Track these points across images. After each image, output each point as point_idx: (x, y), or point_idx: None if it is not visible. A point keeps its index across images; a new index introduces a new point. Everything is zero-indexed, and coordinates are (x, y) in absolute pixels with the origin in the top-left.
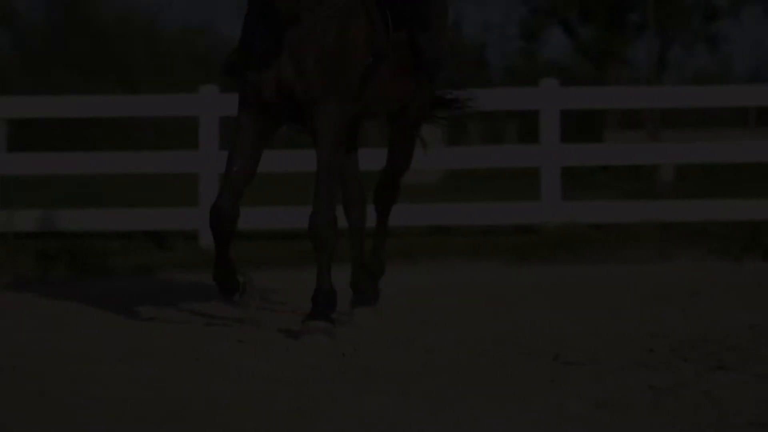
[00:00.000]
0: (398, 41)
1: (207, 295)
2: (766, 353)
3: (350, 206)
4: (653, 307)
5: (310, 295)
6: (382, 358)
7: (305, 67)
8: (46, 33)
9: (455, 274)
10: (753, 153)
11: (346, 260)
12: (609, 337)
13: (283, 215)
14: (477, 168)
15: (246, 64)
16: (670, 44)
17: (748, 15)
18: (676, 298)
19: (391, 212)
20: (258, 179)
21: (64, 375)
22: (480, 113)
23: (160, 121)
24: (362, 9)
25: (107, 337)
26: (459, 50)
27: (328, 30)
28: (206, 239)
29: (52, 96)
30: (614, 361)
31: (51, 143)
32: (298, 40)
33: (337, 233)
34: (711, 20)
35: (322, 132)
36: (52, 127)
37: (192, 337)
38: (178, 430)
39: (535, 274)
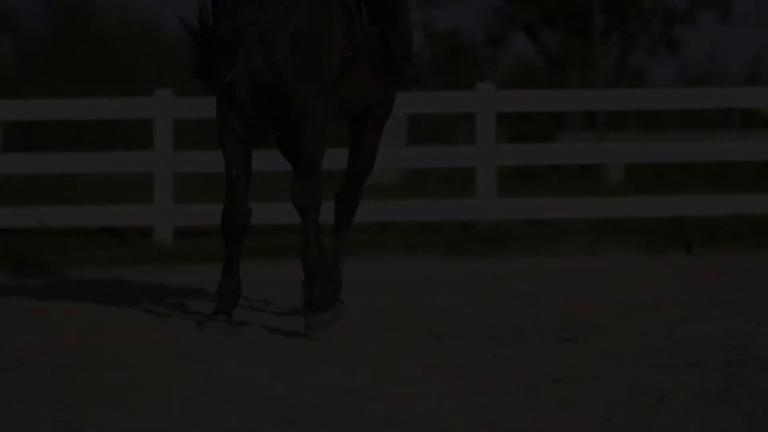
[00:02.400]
0: (371, 36)
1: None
2: (620, 330)
3: None
4: (550, 294)
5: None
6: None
7: (278, 58)
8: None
9: (393, 268)
10: (699, 152)
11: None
12: (488, 317)
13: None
14: (422, 167)
15: (217, 63)
16: (631, 49)
17: (705, 21)
18: (577, 287)
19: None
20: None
21: None
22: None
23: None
24: (342, 3)
25: None
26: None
27: (300, 19)
28: (161, 235)
29: (11, 101)
30: (476, 335)
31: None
32: (268, 33)
33: (317, 202)
34: (670, 25)
35: (305, 116)
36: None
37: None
38: None
39: (467, 268)
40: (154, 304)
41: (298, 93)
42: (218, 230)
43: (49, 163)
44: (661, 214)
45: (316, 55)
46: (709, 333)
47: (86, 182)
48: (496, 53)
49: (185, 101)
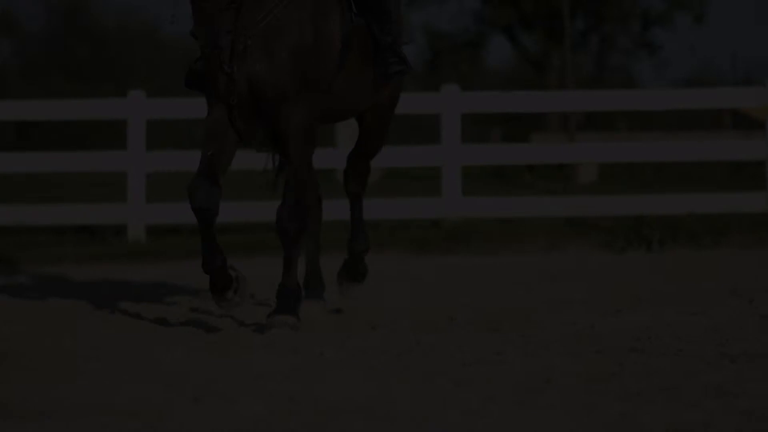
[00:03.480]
0: (358, 29)
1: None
2: (549, 321)
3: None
4: (498, 288)
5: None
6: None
7: (275, 60)
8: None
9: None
10: (668, 153)
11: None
12: (429, 309)
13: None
14: (397, 167)
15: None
16: (610, 50)
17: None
18: (528, 281)
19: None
20: None
21: None
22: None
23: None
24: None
25: None
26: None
27: (300, 21)
28: (134, 233)
29: None
30: (410, 325)
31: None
32: (266, 34)
33: (305, 227)
34: (648, 27)
35: (291, 125)
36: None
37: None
38: None
39: (432, 264)
40: (119, 299)
41: (288, 107)
42: (191, 228)
43: (23, 162)
44: (622, 213)
45: (314, 58)
46: (631, 323)
47: (61, 181)
48: (476, 55)
49: (158, 102)
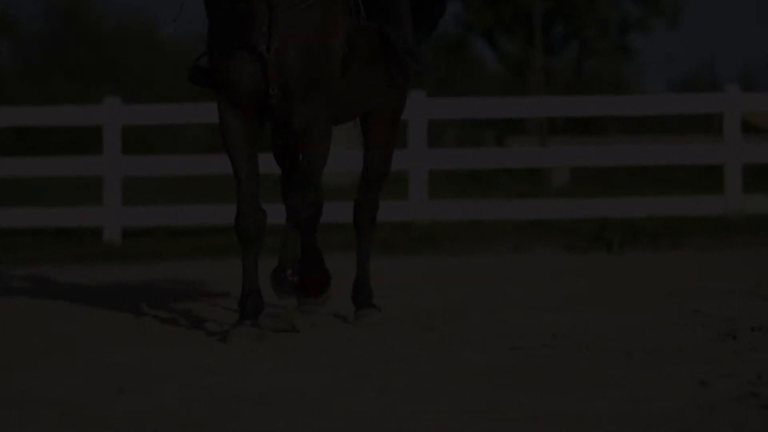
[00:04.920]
0: (369, 31)
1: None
2: (484, 320)
3: None
4: (450, 289)
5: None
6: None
7: (288, 55)
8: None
9: (329, 266)
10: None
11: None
12: None
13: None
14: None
15: (218, 64)
16: (588, 55)
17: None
18: (482, 282)
19: (272, 210)
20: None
21: None
22: None
23: None
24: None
25: None
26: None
27: (311, 17)
28: (110, 235)
29: None
30: (348, 324)
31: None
32: (277, 32)
33: (319, 213)
34: (625, 32)
35: (308, 123)
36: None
37: None
38: None
39: (397, 266)
40: (91, 299)
41: (307, 101)
42: (164, 231)
43: (4, 167)
44: (585, 216)
45: (323, 56)
46: (558, 321)
47: (39, 186)
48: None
49: (133, 108)
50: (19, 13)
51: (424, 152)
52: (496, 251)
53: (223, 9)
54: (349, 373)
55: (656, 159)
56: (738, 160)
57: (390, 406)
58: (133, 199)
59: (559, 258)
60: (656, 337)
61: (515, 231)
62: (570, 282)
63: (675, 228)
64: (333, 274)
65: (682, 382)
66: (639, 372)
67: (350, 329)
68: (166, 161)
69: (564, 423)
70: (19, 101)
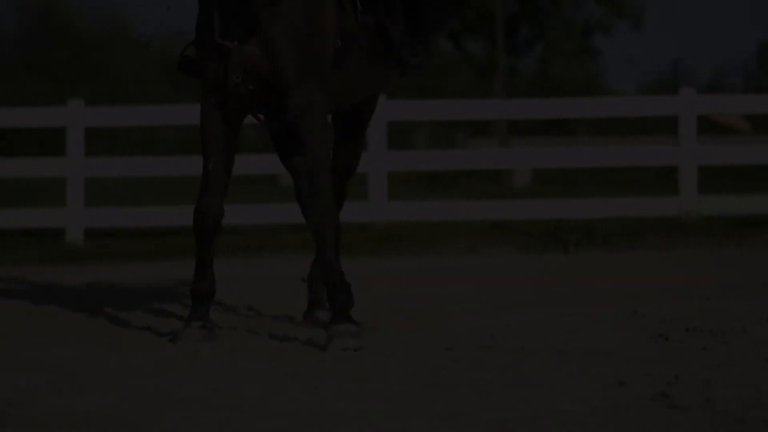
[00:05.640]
0: (364, 26)
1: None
2: (428, 322)
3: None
4: (401, 289)
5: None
6: None
7: (277, 47)
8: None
9: (288, 266)
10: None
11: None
12: None
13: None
14: None
15: (206, 55)
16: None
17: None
18: (433, 282)
19: (237, 211)
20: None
21: None
22: None
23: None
24: None
25: None
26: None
27: (300, 8)
28: (72, 236)
29: None
30: (292, 325)
31: None
32: (266, 23)
33: (338, 226)
34: (588, 34)
35: (305, 113)
36: None
37: None
38: None
39: (355, 267)
40: (49, 300)
41: (299, 90)
42: (127, 232)
43: None
44: (542, 217)
45: (314, 46)
46: (501, 322)
47: (2, 186)
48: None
49: (96, 110)
50: None
51: (384, 154)
52: (453, 252)
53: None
54: (281, 373)
55: (613, 160)
56: (693, 161)
57: (319, 405)
58: (104, 201)
59: (514, 259)
60: (591, 338)
61: (473, 232)
62: (521, 283)
63: (631, 229)
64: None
65: (602, 383)
66: (563, 373)
67: (294, 329)
68: (128, 163)
69: (473, 424)
70: None
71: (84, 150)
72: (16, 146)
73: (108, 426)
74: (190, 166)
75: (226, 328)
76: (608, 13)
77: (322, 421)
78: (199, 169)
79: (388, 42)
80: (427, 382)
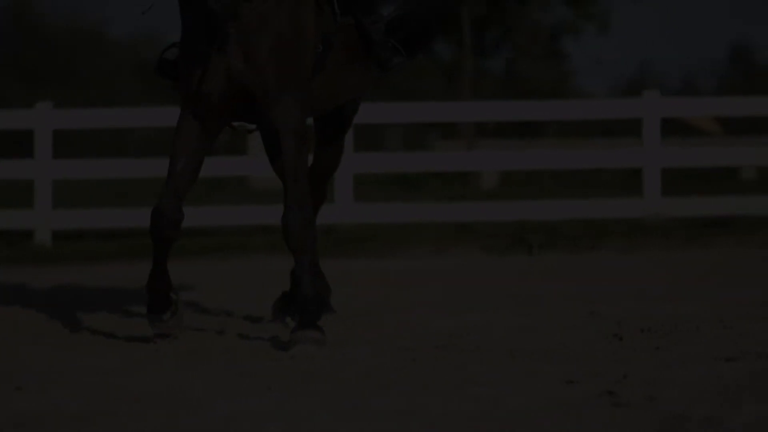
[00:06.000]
0: (346, 27)
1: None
2: (382, 322)
3: None
4: (357, 291)
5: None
6: None
7: (258, 56)
8: None
9: (253, 267)
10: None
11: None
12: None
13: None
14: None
15: (188, 61)
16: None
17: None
18: (400, 285)
19: (203, 213)
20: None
21: None
22: None
23: None
24: None
25: None
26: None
27: (280, 16)
28: (40, 237)
29: None
30: (240, 326)
31: None
32: (247, 29)
33: (315, 233)
34: (556, 37)
35: (284, 126)
36: None
37: None
38: None
39: (324, 269)
40: (16, 300)
41: (278, 103)
42: (95, 234)
43: None
44: (507, 218)
45: (295, 55)
46: (457, 324)
47: None
48: None
49: (64, 113)
50: None
51: (350, 156)
52: (418, 254)
53: (193, 11)
54: (236, 372)
55: (578, 163)
56: (656, 164)
57: (272, 405)
58: (73, 202)
59: (479, 260)
60: (546, 338)
61: (439, 234)
62: (484, 284)
63: (594, 230)
64: (266, 275)
65: (551, 382)
66: (515, 372)
67: (259, 330)
68: (96, 165)
69: (421, 422)
70: None
71: (52, 152)
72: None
73: (56, 423)
74: (159, 168)
75: (193, 328)
76: (576, 16)
77: (272, 420)
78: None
79: (368, 43)
80: (382, 382)
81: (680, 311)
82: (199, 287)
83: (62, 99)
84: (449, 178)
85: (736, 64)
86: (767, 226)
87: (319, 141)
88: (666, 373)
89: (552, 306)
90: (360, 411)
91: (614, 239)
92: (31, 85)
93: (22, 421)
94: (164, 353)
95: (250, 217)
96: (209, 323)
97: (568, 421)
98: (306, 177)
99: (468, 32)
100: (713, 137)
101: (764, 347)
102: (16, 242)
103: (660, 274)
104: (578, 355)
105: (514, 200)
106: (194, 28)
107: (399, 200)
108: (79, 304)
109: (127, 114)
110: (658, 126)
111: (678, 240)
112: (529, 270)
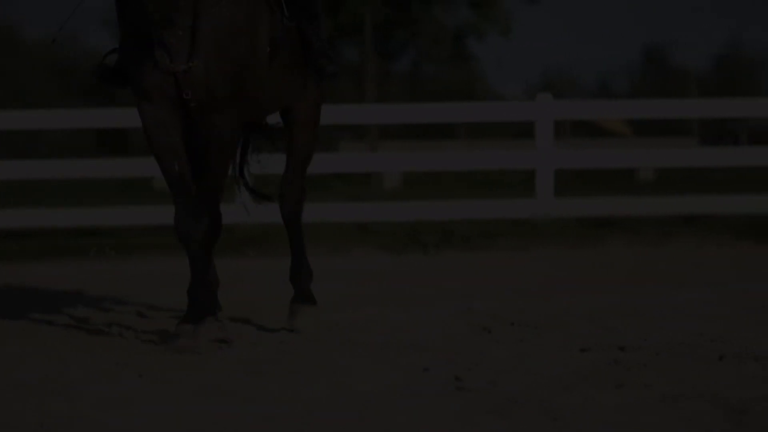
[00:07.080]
0: (289, 31)
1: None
2: (255, 320)
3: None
4: (254, 288)
5: None
6: None
7: (211, 70)
8: None
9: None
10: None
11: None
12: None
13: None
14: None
15: (133, 65)
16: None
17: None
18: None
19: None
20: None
21: None
22: None
23: None
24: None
25: None
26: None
27: (228, 18)
28: None
29: None
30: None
31: None
32: (194, 31)
33: (210, 232)
34: (461, 39)
35: (215, 134)
36: None
37: None
38: None
39: (222, 269)
40: None
41: (220, 115)
42: (35, 232)
43: None
44: (404, 218)
45: (245, 60)
46: (341, 318)
47: None
48: None
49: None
50: None
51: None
52: (316, 253)
53: (135, 20)
54: (115, 362)
55: (475, 164)
56: (549, 165)
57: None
58: (7, 203)
59: (376, 260)
60: (419, 332)
61: (339, 234)
62: (377, 282)
63: (488, 230)
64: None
65: (407, 370)
66: (378, 362)
67: (148, 324)
68: (15, 166)
69: (278, 405)
70: None
71: None
72: None
73: None
74: (73, 169)
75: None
76: (478, 18)
77: (138, 404)
78: (77, 173)
79: (308, 49)
80: (250, 371)
81: (554, 307)
82: (99, 287)
83: None
84: (353, 179)
85: (650, 65)
86: (657, 225)
87: (292, 129)
88: (519, 362)
89: (434, 303)
90: (222, 397)
91: (507, 239)
92: None
93: None
94: (51, 345)
95: (154, 217)
96: (99, 319)
97: (412, 400)
98: (222, 185)
99: (370, 34)
100: (624, 138)
101: (622, 340)
102: None
103: (545, 272)
104: (444, 347)
105: (411, 201)
106: (134, 32)
107: None
108: (37, 305)
109: (47, 116)
110: (551, 128)
111: (569, 240)
112: (423, 269)
